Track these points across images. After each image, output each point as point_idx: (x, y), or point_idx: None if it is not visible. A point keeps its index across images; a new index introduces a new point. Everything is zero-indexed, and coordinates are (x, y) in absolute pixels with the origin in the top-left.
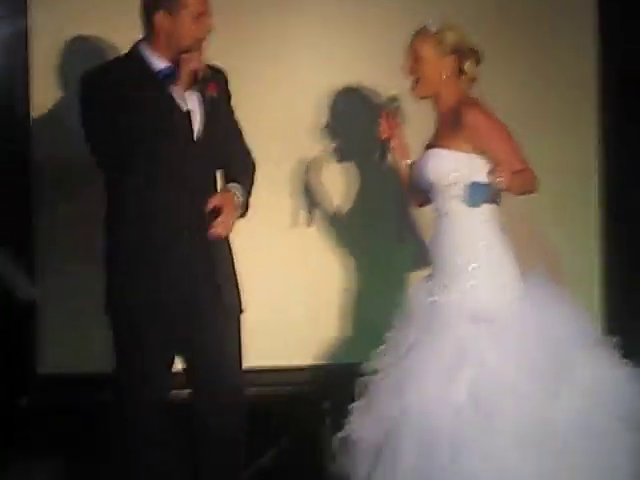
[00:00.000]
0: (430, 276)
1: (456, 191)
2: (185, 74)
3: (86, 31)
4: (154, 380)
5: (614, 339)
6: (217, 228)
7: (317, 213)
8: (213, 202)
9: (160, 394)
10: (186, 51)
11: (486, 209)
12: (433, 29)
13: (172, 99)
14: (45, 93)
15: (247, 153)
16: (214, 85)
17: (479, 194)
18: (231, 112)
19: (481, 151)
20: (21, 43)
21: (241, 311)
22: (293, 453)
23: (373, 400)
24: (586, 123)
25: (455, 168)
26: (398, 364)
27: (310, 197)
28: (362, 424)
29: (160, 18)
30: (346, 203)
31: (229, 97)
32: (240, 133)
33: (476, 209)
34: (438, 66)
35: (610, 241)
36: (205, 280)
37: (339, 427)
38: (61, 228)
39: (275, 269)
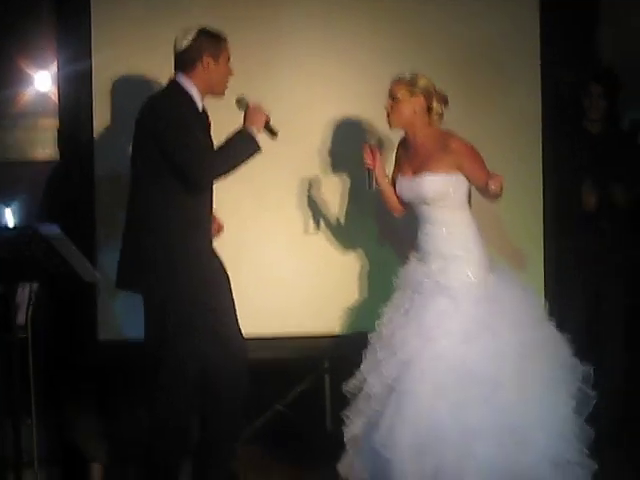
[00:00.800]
0: (418, 262)
1: (446, 201)
2: (257, 120)
3: (136, 68)
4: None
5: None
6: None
7: (320, 220)
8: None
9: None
10: (216, 92)
11: (463, 213)
12: (407, 76)
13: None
14: (105, 119)
15: None
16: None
17: None
18: None
19: (463, 171)
20: (87, 78)
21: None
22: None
23: (372, 356)
24: (532, 141)
25: (447, 185)
26: (392, 328)
27: (313, 208)
28: (365, 378)
29: (207, 60)
30: (341, 212)
31: None
32: None
33: (455, 214)
34: (409, 104)
35: (550, 241)
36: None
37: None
38: (117, 226)
39: (291, 261)
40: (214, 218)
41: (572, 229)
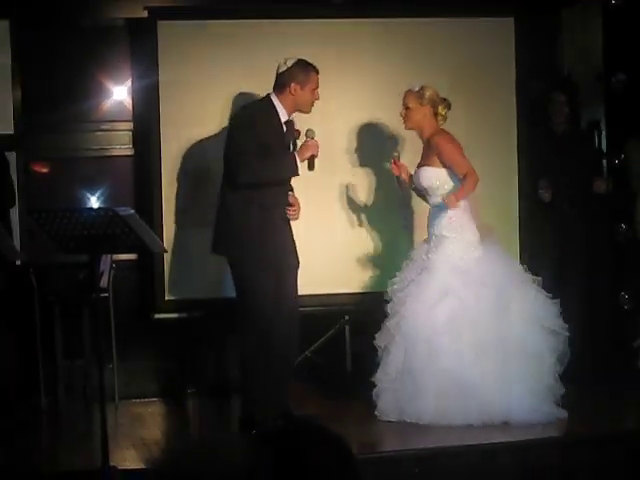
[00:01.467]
0: (425, 241)
1: (439, 191)
2: (306, 154)
3: (194, 82)
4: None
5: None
6: (295, 212)
7: (356, 212)
8: (292, 199)
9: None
10: (302, 111)
11: (431, 201)
12: (416, 88)
13: (285, 135)
14: (170, 123)
15: None
16: (299, 131)
17: None
18: None
19: (444, 163)
20: (155, 90)
21: (298, 266)
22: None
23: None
24: (509, 139)
25: (436, 178)
26: (401, 292)
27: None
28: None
29: (294, 87)
30: (372, 202)
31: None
32: None
33: (430, 200)
34: (419, 111)
35: (525, 222)
36: (289, 246)
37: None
38: (179, 207)
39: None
40: (293, 201)
41: (542, 212)
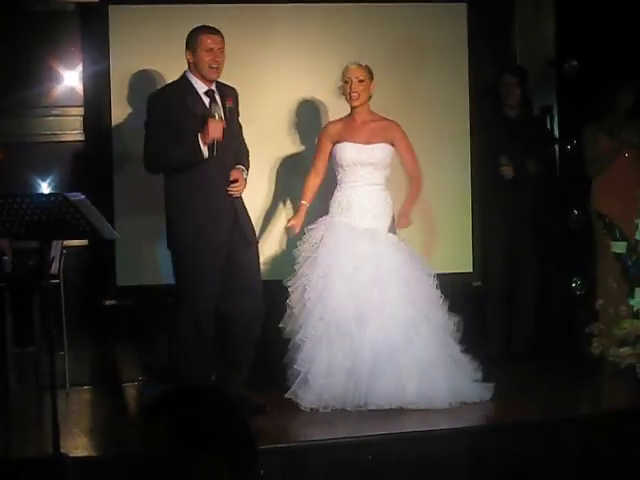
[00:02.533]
0: (354, 217)
1: (386, 170)
2: (209, 135)
3: (146, 67)
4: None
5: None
6: (237, 189)
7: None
8: (234, 175)
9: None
10: (207, 77)
11: (381, 180)
12: (363, 63)
13: (207, 108)
14: (121, 109)
15: (245, 145)
16: (230, 99)
17: None
18: (237, 117)
19: (398, 151)
20: (106, 76)
21: (257, 242)
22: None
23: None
24: (462, 122)
25: (390, 155)
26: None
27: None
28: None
29: (189, 55)
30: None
31: (237, 106)
32: (241, 132)
33: (385, 179)
34: (369, 86)
35: (477, 206)
36: (234, 224)
37: None
38: (130, 194)
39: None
40: (237, 176)
41: (494, 194)
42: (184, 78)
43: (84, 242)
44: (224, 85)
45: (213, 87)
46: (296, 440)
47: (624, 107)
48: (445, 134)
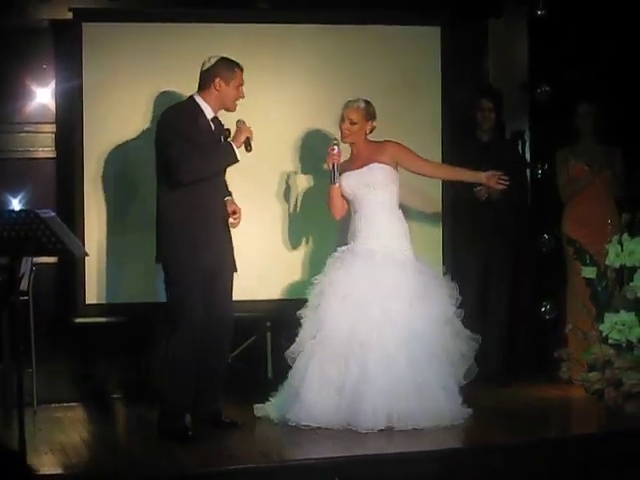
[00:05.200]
0: (363, 241)
1: (387, 187)
2: (241, 137)
3: (119, 85)
4: (199, 307)
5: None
6: (238, 221)
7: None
8: (232, 207)
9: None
10: (227, 109)
11: (397, 202)
12: (362, 104)
13: (213, 132)
14: (93, 126)
15: None
16: (228, 129)
17: None
18: None
19: (402, 163)
20: (78, 93)
21: (235, 270)
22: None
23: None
24: (434, 146)
25: (390, 175)
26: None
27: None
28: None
29: (219, 82)
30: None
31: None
32: None
33: (395, 201)
34: (364, 127)
35: (447, 224)
36: (226, 252)
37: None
38: (101, 212)
39: (260, 241)
40: (229, 204)
41: (464, 215)
42: (194, 101)
43: (54, 259)
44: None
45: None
46: (265, 461)
47: (588, 130)
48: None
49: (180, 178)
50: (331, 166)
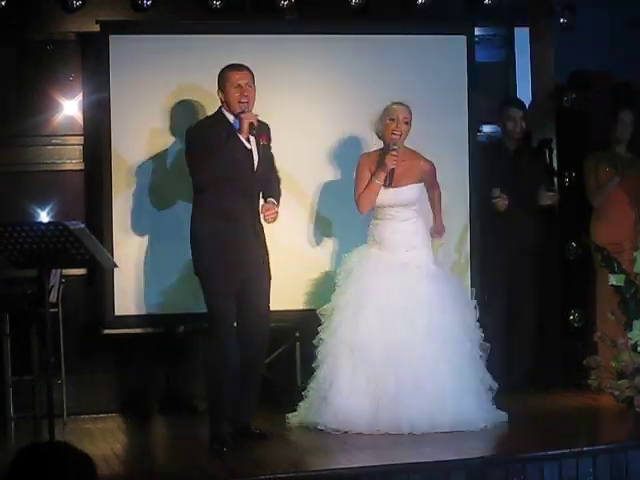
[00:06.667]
0: (390, 251)
1: (414, 206)
2: (244, 125)
3: (144, 97)
4: (232, 316)
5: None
6: (271, 216)
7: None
8: (266, 207)
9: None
10: (240, 112)
11: (411, 215)
12: (407, 103)
13: (241, 141)
14: (120, 138)
15: (278, 179)
16: (264, 137)
17: None
18: (270, 150)
19: (426, 184)
20: (106, 105)
21: (270, 278)
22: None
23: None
24: (461, 155)
25: (419, 193)
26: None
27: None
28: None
29: (220, 94)
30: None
31: (270, 141)
32: (273, 161)
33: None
34: (409, 127)
35: (474, 233)
36: (257, 257)
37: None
38: (131, 221)
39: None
40: (269, 206)
41: (491, 224)
42: (220, 113)
43: (83, 271)
44: (258, 121)
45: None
46: (294, 470)
47: (625, 137)
48: (444, 165)
49: (196, 181)
50: (389, 169)
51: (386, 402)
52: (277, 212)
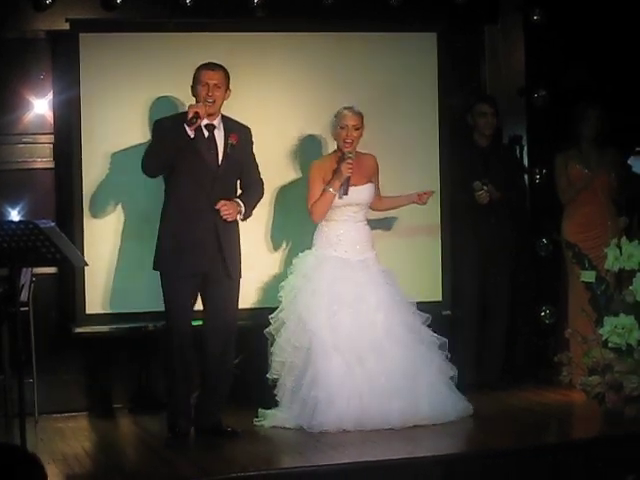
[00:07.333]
0: (346, 251)
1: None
2: (189, 114)
3: (116, 96)
4: (187, 313)
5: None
6: (225, 215)
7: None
8: (222, 203)
9: (187, 324)
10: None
11: (364, 217)
12: (358, 109)
13: (202, 136)
14: (91, 136)
15: (259, 183)
16: (234, 136)
17: None
18: (251, 153)
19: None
20: (76, 104)
21: (239, 277)
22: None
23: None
24: (431, 152)
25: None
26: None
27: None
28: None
29: (191, 91)
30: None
31: (252, 144)
32: (257, 168)
33: (362, 217)
34: (361, 134)
35: (445, 229)
36: (218, 255)
37: None
38: (101, 221)
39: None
40: (223, 202)
41: (462, 221)
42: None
43: (54, 269)
44: (235, 122)
45: (215, 122)
46: (266, 467)
47: (592, 134)
48: (414, 162)
49: (143, 169)
50: (345, 179)
51: (363, 399)
52: (234, 211)
